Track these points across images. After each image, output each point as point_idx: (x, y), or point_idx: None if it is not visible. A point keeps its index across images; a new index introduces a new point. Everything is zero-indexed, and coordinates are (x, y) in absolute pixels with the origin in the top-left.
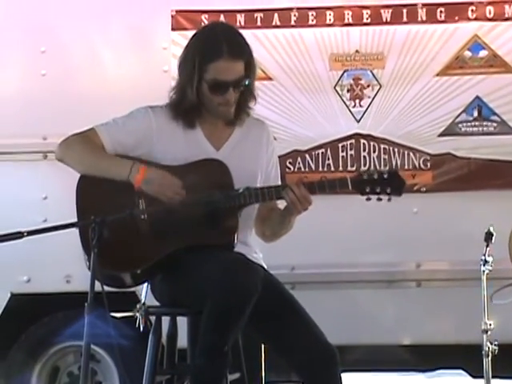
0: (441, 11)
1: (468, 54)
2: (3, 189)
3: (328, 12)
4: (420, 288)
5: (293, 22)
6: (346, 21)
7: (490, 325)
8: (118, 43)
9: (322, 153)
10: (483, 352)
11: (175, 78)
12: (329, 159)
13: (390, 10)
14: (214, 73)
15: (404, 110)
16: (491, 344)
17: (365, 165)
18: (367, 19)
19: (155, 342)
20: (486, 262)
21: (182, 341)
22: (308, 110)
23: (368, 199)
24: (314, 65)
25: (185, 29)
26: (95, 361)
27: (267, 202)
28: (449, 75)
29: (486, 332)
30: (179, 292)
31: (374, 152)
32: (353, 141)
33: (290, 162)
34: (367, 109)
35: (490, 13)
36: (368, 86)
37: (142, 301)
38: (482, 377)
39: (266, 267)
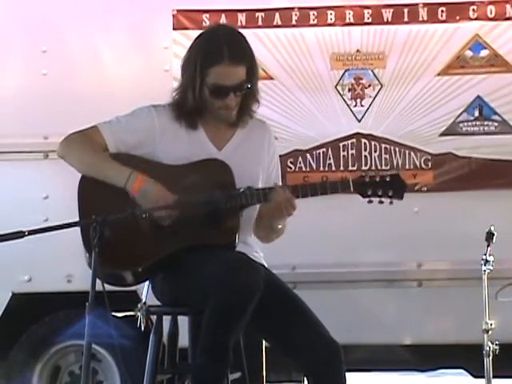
0: (442, 11)
1: (469, 53)
2: (4, 188)
3: (329, 11)
4: (421, 288)
5: (294, 22)
6: (347, 20)
7: (491, 324)
8: (119, 42)
9: (323, 152)
10: (484, 352)
11: (176, 78)
12: (330, 159)
13: (391, 10)
14: (214, 77)
15: (405, 110)
16: (492, 344)
17: (366, 164)
18: (368, 19)
19: (156, 341)
20: (486, 261)
21: (183, 340)
22: (309, 109)
23: (370, 202)
24: (315, 64)
25: (186, 28)
26: (96, 360)
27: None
28: (450, 75)
29: (487, 332)
30: (180, 291)
31: (375, 151)
32: (354, 140)
33: (291, 162)
34: (368, 108)
35: (491, 12)
36: (369, 85)
37: (143, 300)
38: (482, 377)
39: (267, 266)
